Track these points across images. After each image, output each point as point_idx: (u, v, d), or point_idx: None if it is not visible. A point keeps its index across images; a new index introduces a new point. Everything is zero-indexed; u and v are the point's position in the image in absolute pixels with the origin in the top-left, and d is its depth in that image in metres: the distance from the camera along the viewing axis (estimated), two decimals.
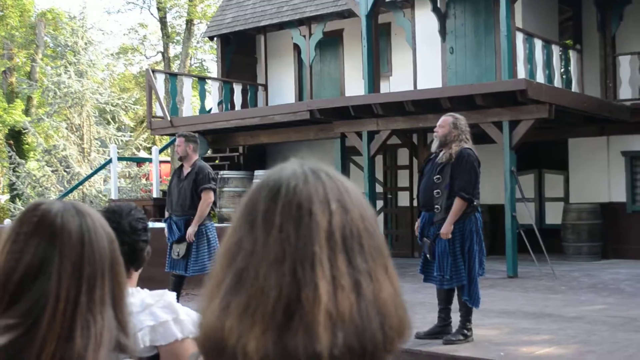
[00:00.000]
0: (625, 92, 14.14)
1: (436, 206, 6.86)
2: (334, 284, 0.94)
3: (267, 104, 17.93)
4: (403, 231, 15.73)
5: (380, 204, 15.67)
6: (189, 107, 16.93)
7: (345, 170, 14.58)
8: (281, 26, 17.73)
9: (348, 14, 16.10)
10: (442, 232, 6.80)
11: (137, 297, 2.61)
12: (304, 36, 17.21)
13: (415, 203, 15.45)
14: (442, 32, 15.45)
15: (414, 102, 12.60)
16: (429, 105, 12.53)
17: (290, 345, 0.92)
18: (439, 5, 15.40)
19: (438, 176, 6.86)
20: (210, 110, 17.82)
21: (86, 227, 1.45)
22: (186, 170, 8.47)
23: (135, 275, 2.72)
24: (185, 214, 8.31)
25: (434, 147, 7.07)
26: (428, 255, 7.00)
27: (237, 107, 17.03)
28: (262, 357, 0.93)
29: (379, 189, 15.45)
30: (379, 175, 15.63)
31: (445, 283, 6.89)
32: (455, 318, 7.14)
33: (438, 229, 6.86)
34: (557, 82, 13.39)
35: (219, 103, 17.24)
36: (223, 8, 19.18)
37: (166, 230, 8.48)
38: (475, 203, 6.91)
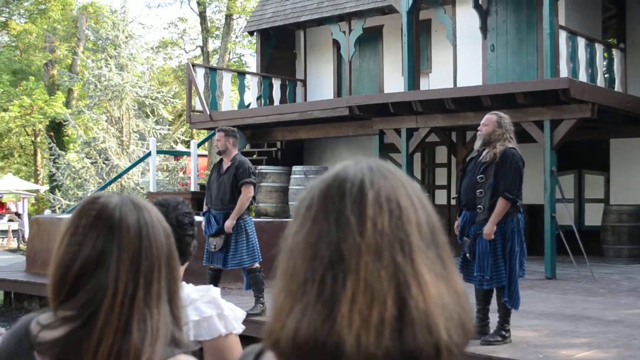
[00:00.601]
0: None
1: (479, 206, 6.79)
2: (434, 276, 0.95)
3: (305, 99, 17.94)
4: None
5: None
6: (228, 101, 16.98)
7: None
8: (321, 22, 17.72)
9: (388, 10, 16.04)
10: (485, 233, 6.73)
11: (183, 292, 2.62)
12: (344, 32, 17.18)
13: (453, 202, 15.40)
14: (483, 29, 15.31)
15: (454, 100, 12.51)
16: (469, 103, 12.43)
17: (408, 336, 0.91)
18: (480, 2, 15.27)
19: (481, 175, 6.78)
20: (249, 105, 17.87)
21: (144, 221, 1.46)
22: (226, 164, 8.47)
23: (181, 270, 2.73)
24: (225, 208, 8.31)
25: (477, 145, 6.98)
26: (468, 255, 6.92)
27: (276, 102, 17.06)
28: (384, 355, 0.91)
29: None
30: (417, 173, 15.57)
31: (485, 283, 6.83)
32: (494, 319, 7.07)
33: (479, 228, 6.80)
34: (600, 82, 13.19)
35: (258, 98, 17.28)
36: (263, 3, 19.21)
37: (204, 223, 8.50)
38: (518, 204, 6.83)
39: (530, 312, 8.47)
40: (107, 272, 1.39)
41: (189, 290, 2.63)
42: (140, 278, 1.40)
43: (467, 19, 15.51)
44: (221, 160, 8.63)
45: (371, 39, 17.48)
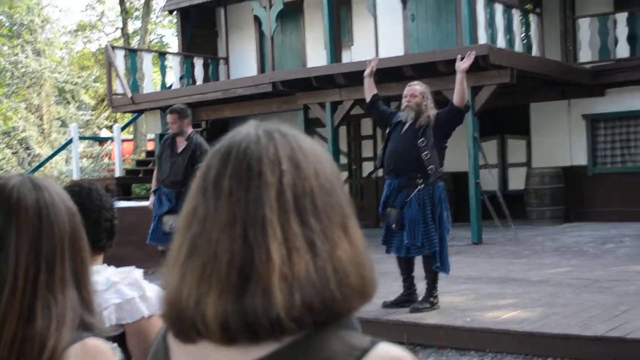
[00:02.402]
0: (585, 55, 14.20)
1: (430, 166, 6.74)
2: (286, 245, 0.93)
3: (229, 77, 17.77)
4: (368, 202, 15.74)
5: (345, 175, 15.65)
6: (150, 83, 16.71)
7: None
8: None
9: None
10: (463, 66, 6.84)
11: (103, 275, 2.56)
12: (264, 7, 17.00)
13: (380, 172, 15.50)
14: None
15: (376, 71, 12.45)
16: (392, 73, 12.48)
17: (248, 309, 0.91)
18: None
19: (422, 139, 6.75)
20: (172, 85, 17.62)
21: (44, 201, 1.39)
22: (181, 143, 8.22)
23: (100, 257, 2.67)
24: (177, 188, 8.10)
25: (408, 117, 6.88)
26: (393, 226, 6.92)
27: (199, 81, 16.85)
28: (222, 321, 0.92)
29: (343, 160, 15.45)
30: (343, 146, 15.61)
31: (415, 250, 6.87)
32: (420, 286, 7.16)
33: (406, 196, 6.79)
34: (518, 47, 13.41)
35: (181, 78, 17.04)
36: None
37: (154, 202, 8.31)
38: (441, 171, 6.88)
39: (458, 278, 8.59)
40: (7, 257, 1.33)
41: (109, 273, 2.58)
42: (41, 262, 1.34)
43: None
44: (174, 137, 8.38)
45: (292, 14, 17.38)
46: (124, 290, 2.51)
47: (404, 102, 6.94)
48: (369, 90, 7.37)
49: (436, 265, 6.86)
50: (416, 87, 6.97)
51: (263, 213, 0.93)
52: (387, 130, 7.14)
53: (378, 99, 7.36)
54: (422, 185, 6.78)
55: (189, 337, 0.97)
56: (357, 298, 0.97)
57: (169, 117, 8.34)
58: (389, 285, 8.06)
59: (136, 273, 2.58)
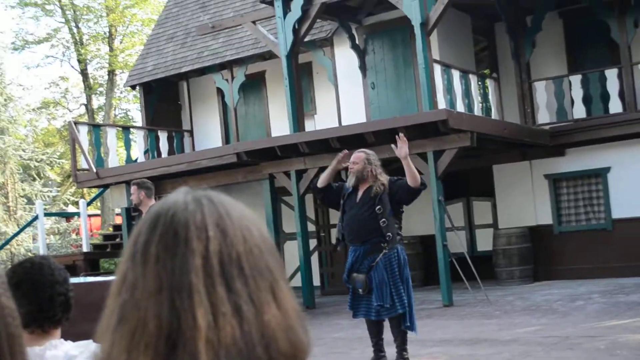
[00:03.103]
0: (543, 117, 14.52)
1: (388, 234, 6.90)
2: (212, 311, 0.93)
3: (194, 149, 17.82)
4: (338, 268, 15.68)
5: (313, 242, 15.65)
6: (115, 157, 16.69)
7: (276, 211, 14.54)
8: (203, 71, 17.73)
9: (269, 55, 16.20)
10: (402, 151, 6.94)
11: (61, 350, 2.55)
12: (227, 80, 17.24)
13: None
14: (363, 68, 15.67)
15: (339, 139, 12.69)
16: (354, 140, 12.62)
17: None
18: (357, 42, 15.64)
19: (379, 207, 6.93)
20: (137, 159, 17.62)
21: None
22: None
23: (58, 329, 2.66)
24: None
25: (350, 182, 7.16)
26: (360, 290, 6.98)
27: (164, 154, 16.89)
28: None
29: (311, 227, 15.47)
30: (310, 213, 15.64)
31: (384, 312, 6.95)
32: (389, 350, 7.15)
33: (372, 260, 6.91)
34: (477, 111, 13.68)
35: (145, 152, 17.07)
36: (143, 56, 19.10)
37: None
38: (399, 234, 7.08)
39: (429, 341, 8.59)
40: None
41: (67, 347, 2.57)
42: None
43: (346, 59, 15.84)
44: (136, 209, 8.78)
45: (255, 84, 17.60)
46: None
47: (349, 168, 7.15)
48: (327, 178, 7.38)
49: (406, 325, 6.96)
50: (359, 154, 7.18)
51: (189, 279, 0.94)
52: (342, 202, 7.25)
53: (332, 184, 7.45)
54: (387, 250, 6.92)
55: None
56: None
57: (131, 189, 8.74)
58: (362, 351, 8.05)
59: (94, 346, 2.57)
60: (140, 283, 0.96)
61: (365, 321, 7.28)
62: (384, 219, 6.91)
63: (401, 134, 7.27)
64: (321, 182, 7.38)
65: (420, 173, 12.11)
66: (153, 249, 0.97)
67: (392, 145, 7.22)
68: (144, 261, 0.97)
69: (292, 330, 0.99)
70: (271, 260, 1.01)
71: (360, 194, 7.10)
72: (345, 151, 7.36)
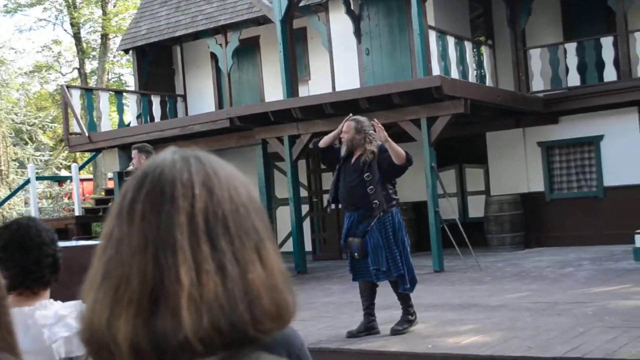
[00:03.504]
0: (537, 84, 14.50)
1: (375, 201, 7.03)
2: (196, 268, 0.94)
3: (187, 114, 17.77)
4: (330, 234, 15.77)
5: (306, 208, 15.68)
6: (107, 122, 16.64)
7: (269, 177, 14.55)
8: (197, 35, 17.62)
9: (263, 20, 16.10)
10: (379, 131, 6.98)
11: (51, 309, 2.57)
12: (220, 44, 17.14)
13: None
14: (357, 33, 15.58)
15: (332, 105, 12.66)
16: (348, 106, 12.56)
17: (158, 331, 0.92)
18: (352, 7, 15.53)
19: (367, 173, 7.05)
20: (130, 124, 17.56)
21: None
22: None
23: (47, 290, 2.67)
24: None
25: (342, 151, 7.25)
26: (356, 254, 7.11)
27: (157, 119, 16.83)
28: (132, 344, 0.93)
29: (303, 193, 15.49)
30: (303, 179, 15.66)
31: (382, 275, 7.09)
32: (382, 315, 7.22)
33: (368, 225, 7.04)
34: (472, 78, 13.64)
35: (138, 116, 17.00)
36: (137, 20, 18.94)
37: None
38: (397, 197, 7.23)
39: (420, 306, 8.60)
40: None
41: (57, 307, 2.59)
42: None
43: (341, 24, 15.74)
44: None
45: (249, 50, 17.50)
46: (72, 323, 2.50)
47: (341, 137, 7.27)
48: (330, 141, 7.44)
49: (405, 287, 7.13)
50: (349, 123, 7.23)
51: (174, 236, 0.95)
52: (337, 166, 7.36)
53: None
54: (381, 214, 7.03)
55: None
56: (270, 322, 0.97)
57: (132, 154, 8.79)
58: (352, 315, 8.12)
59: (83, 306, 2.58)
60: (125, 240, 0.96)
61: (358, 284, 7.34)
62: (371, 186, 7.03)
63: (375, 120, 7.32)
64: (323, 142, 7.46)
65: (413, 140, 12.19)
66: (139, 207, 0.97)
67: (371, 131, 7.20)
68: (130, 218, 0.97)
69: (277, 290, 0.99)
70: (258, 221, 1.01)
71: (353, 161, 7.21)
72: (351, 115, 7.38)
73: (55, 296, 2.69)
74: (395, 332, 7.13)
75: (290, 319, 1.01)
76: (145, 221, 0.96)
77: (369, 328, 7.26)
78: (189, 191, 0.97)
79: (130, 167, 8.95)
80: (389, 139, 7.03)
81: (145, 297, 0.93)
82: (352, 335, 7.21)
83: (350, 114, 7.49)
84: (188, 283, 0.93)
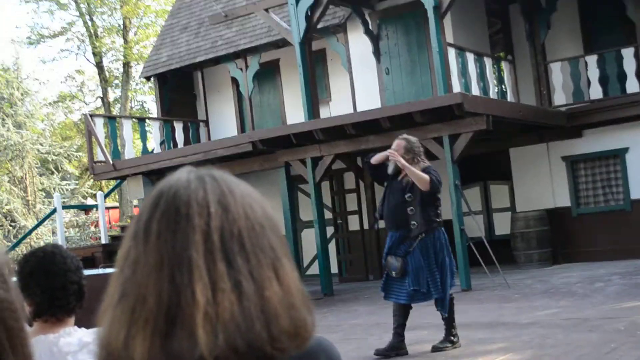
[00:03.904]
0: (559, 98, 14.40)
1: (412, 222, 7.11)
2: (212, 287, 0.94)
3: (209, 139, 17.85)
4: (356, 255, 15.71)
5: (331, 229, 15.65)
6: (131, 149, 16.75)
7: (292, 199, 14.54)
8: (217, 61, 17.73)
9: (282, 43, 16.18)
10: (401, 163, 7.01)
11: (75, 336, 2.57)
12: (241, 69, 17.23)
13: (366, 226, 15.53)
14: (377, 53, 15.60)
15: (354, 125, 12.66)
16: (369, 126, 12.60)
17: (174, 350, 0.92)
18: (371, 27, 15.56)
19: (409, 194, 7.14)
20: (153, 150, 17.67)
21: None
22: None
23: (72, 317, 2.67)
24: None
25: (389, 169, 7.31)
26: (394, 273, 7.16)
27: (180, 145, 16.93)
28: None
29: (328, 215, 15.47)
30: (327, 200, 15.64)
31: (420, 297, 7.17)
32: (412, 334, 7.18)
33: (410, 245, 7.11)
34: (493, 94, 13.59)
35: (161, 143, 17.12)
36: (158, 47, 19.12)
37: None
38: (440, 219, 7.31)
39: None
40: None
41: (81, 334, 2.60)
42: None
43: (360, 45, 15.77)
44: None
45: (269, 73, 17.58)
46: None
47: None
48: (382, 159, 7.44)
49: (438, 308, 7.25)
50: (399, 142, 7.30)
51: (189, 255, 0.95)
52: (385, 184, 7.47)
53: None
54: (424, 235, 7.12)
55: None
56: (288, 340, 0.97)
57: None
58: (380, 337, 8.06)
59: None
60: (142, 259, 0.96)
61: (393, 304, 7.38)
62: (412, 207, 7.11)
63: (390, 151, 7.26)
64: (375, 159, 7.49)
65: (436, 158, 12.13)
66: (155, 226, 0.97)
67: (421, 151, 7.33)
68: (146, 238, 0.97)
69: (294, 308, 0.98)
70: (274, 238, 1.01)
71: (399, 180, 7.28)
72: (403, 135, 7.39)
73: (80, 323, 2.69)
74: (436, 349, 7.22)
75: (309, 337, 1.00)
76: (161, 240, 0.96)
77: (396, 347, 7.26)
78: (204, 210, 0.97)
79: None
80: (407, 166, 7.06)
81: (161, 317, 0.93)
82: (379, 353, 7.24)
83: (404, 134, 7.56)
84: (204, 302, 0.93)
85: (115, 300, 0.98)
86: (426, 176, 7.02)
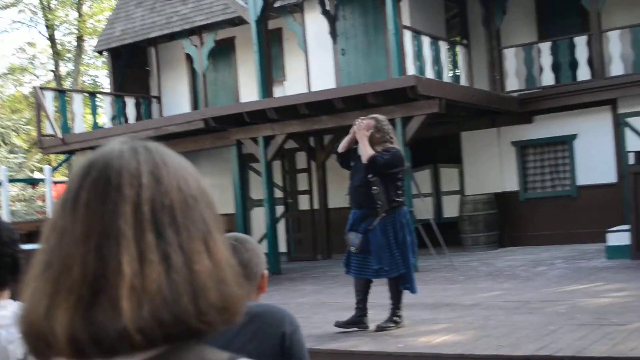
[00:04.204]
0: (512, 84, 14.54)
1: (378, 202, 7.14)
2: (139, 258, 0.92)
3: (161, 116, 17.66)
4: (305, 234, 15.73)
5: (281, 209, 15.64)
6: (81, 123, 16.49)
7: (243, 178, 14.49)
8: (172, 37, 17.53)
9: (239, 21, 16.04)
10: (358, 135, 7.08)
11: (9, 309, 2.52)
12: (196, 46, 17.06)
13: (316, 205, 15.56)
14: (333, 34, 15.56)
15: (307, 105, 12.63)
16: (322, 107, 12.58)
17: (96, 321, 0.90)
18: (328, 7, 15.51)
19: (371, 174, 7.14)
20: (104, 126, 17.43)
21: None
22: None
23: (6, 290, 2.62)
24: None
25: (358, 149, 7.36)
26: (353, 249, 7.25)
27: (131, 120, 16.72)
28: (70, 335, 0.90)
29: (279, 194, 15.44)
30: (278, 180, 15.61)
31: (383, 274, 7.23)
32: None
33: (369, 224, 7.16)
34: (447, 78, 13.66)
35: (113, 118, 16.89)
36: (112, 21, 18.81)
37: None
38: (402, 199, 7.34)
39: None
40: None
41: (15, 308, 2.54)
42: None
43: (316, 25, 15.71)
44: None
45: (224, 51, 17.43)
46: None
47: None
48: (346, 145, 7.47)
49: (405, 286, 7.29)
50: (368, 122, 7.30)
51: (118, 225, 0.93)
52: (352, 164, 7.48)
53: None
54: (384, 214, 7.16)
55: (43, 353, 0.95)
56: (216, 314, 0.96)
57: None
58: (325, 316, 8.11)
59: None
60: (69, 229, 0.94)
61: (353, 280, 7.48)
62: (375, 187, 7.15)
63: (354, 128, 7.32)
64: (341, 147, 7.52)
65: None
66: (84, 195, 0.95)
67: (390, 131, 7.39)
68: (74, 207, 0.95)
69: (224, 282, 0.97)
70: (207, 212, 0.99)
71: (361, 159, 7.26)
72: (360, 119, 7.39)
73: (18, 297, 2.64)
74: (380, 329, 7.25)
75: (239, 312, 0.99)
76: (90, 210, 0.93)
77: (356, 322, 7.38)
78: (135, 180, 0.95)
79: None
80: (362, 138, 7.12)
81: (85, 287, 0.91)
82: (339, 325, 7.35)
83: (360, 118, 7.57)
84: (130, 273, 0.91)
85: (39, 271, 0.95)
86: (370, 152, 7.08)
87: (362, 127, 7.20)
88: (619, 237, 11.32)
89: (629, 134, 13.59)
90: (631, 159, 11.94)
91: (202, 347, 0.96)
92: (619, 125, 13.68)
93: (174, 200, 0.96)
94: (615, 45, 13.54)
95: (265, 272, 2.68)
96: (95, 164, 0.97)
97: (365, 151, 7.10)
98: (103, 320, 0.90)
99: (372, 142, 7.19)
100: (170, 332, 0.92)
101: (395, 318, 7.34)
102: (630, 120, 13.59)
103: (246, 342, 2.38)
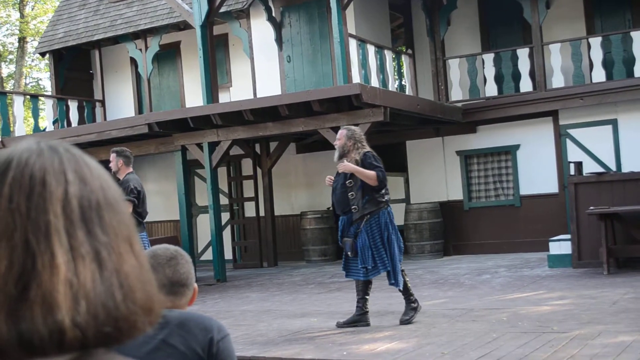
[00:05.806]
0: (456, 94, 14.70)
1: (353, 207, 7.58)
2: (72, 253, 0.89)
3: (105, 120, 17.39)
4: (251, 242, 15.64)
5: (226, 215, 15.53)
6: (22, 126, 16.15)
7: (188, 184, 14.34)
8: (116, 40, 17.30)
9: (184, 25, 15.93)
10: (340, 167, 7.50)
11: None
12: (140, 49, 16.86)
13: (262, 213, 15.48)
14: (279, 41, 15.54)
15: (253, 111, 12.57)
16: (268, 113, 12.54)
17: (26, 318, 0.86)
18: (274, 14, 15.49)
19: (350, 180, 7.57)
20: (45, 129, 17.09)
21: None
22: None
23: None
24: None
25: (335, 158, 7.79)
26: (349, 253, 7.66)
27: (74, 124, 16.42)
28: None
29: (224, 200, 15.33)
30: (224, 186, 15.50)
31: (370, 273, 7.66)
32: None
33: (357, 227, 7.57)
34: (392, 87, 13.74)
35: (55, 121, 16.57)
36: (54, 23, 18.49)
37: None
38: (386, 199, 7.82)
39: (336, 313, 8.63)
40: None
41: None
42: None
43: (262, 31, 15.68)
44: (118, 179, 9.00)
45: (169, 55, 17.28)
46: None
47: (335, 144, 7.88)
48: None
49: (391, 282, 7.73)
50: (342, 131, 7.84)
51: (47, 220, 0.90)
52: (335, 177, 7.92)
53: None
54: (369, 216, 7.60)
55: None
56: (143, 315, 0.94)
57: (110, 157, 9.04)
58: (270, 323, 8.04)
59: None
60: None
61: (355, 281, 7.93)
62: (352, 192, 7.56)
63: (338, 166, 7.68)
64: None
65: (332, 147, 12.19)
66: (6, 190, 0.90)
67: (363, 139, 7.81)
68: None
69: (149, 283, 0.96)
70: (126, 215, 0.98)
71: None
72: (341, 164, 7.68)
73: None
74: (404, 322, 7.69)
75: (159, 314, 0.97)
76: (13, 204, 0.89)
77: (357, 321, 7.76)
78: (61, 176, 0.92)
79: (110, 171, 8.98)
80: (358, 170, 7.48)
81: (11, 282, 0.87)
82: (340, 325, 7.73)
83: (347, 125, 7.97)
84: (64, 267, 0.88)
85: None
86: (372, 173, 7.47)
87: (341, 166, 7.57)
88: (560, 246, 11.51)
89: (570, 145, 13.84)
90: (572, 170, 12.17)
91: (111, 354, 0.93)
92: (561, 136, 13.94)
93: (99, 200, 0.94)
94: (556, 57, 13.80)
95: (196, 285, 2.67)
96: (13, 159, 0.93)
97: (365, 175, 7.46)
98: (34, 316, 0.86)
99: (344, 150, 7.63)
100: (103, 330, 0.89)
101: (411, 304, 7.85)
102: (571, 131, 13.85)
103: (174, 349, 2.36)
